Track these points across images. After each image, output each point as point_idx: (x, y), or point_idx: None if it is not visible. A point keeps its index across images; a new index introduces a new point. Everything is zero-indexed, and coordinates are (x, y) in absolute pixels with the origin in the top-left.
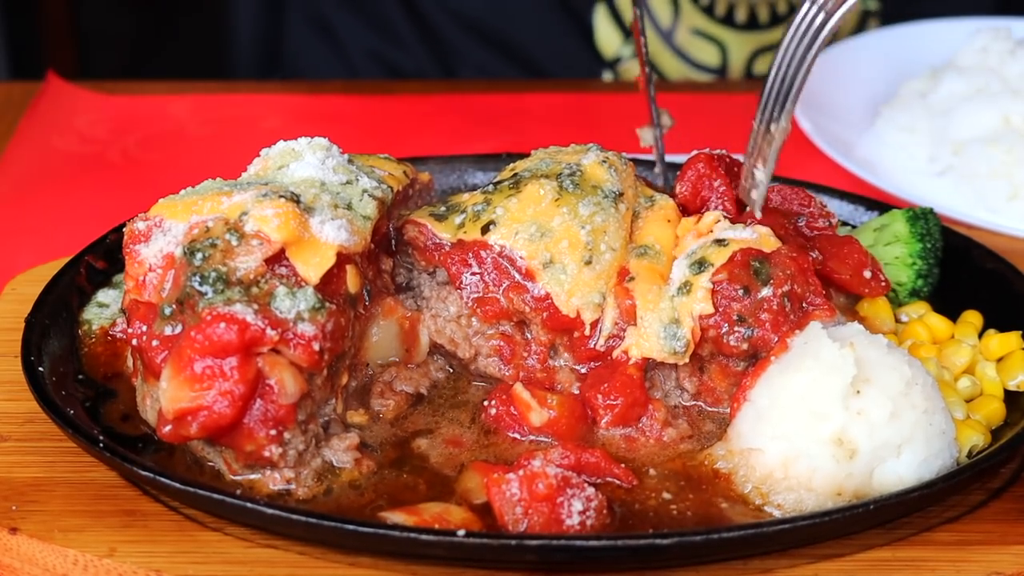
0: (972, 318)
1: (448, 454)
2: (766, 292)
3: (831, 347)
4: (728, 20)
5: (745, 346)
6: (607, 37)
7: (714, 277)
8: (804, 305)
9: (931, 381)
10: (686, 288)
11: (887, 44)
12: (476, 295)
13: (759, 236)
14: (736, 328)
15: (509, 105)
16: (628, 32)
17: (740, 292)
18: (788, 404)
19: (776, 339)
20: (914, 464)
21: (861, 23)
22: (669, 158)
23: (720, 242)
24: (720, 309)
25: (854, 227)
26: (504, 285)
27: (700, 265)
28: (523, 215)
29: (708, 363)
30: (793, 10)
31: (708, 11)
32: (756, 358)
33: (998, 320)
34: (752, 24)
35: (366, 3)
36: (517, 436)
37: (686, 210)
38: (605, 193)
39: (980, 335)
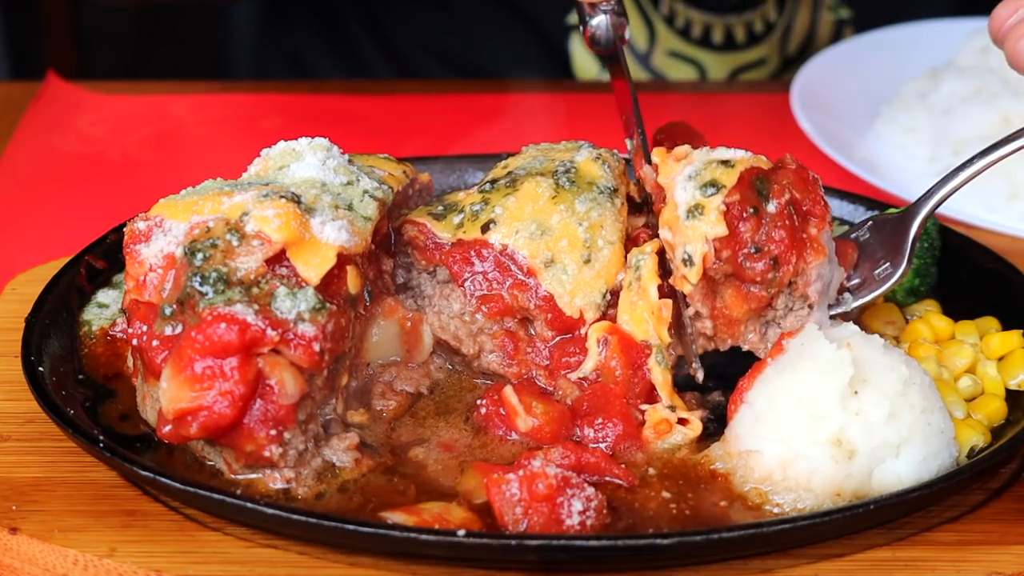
0: (989, 324)
1: (443, 459)
2: (771, 208)
3: (828, 348)
4: (705, 42)
5: (764, 267)
6: (584, 63)
7: (727, 199)
8: (808, 218)
9: (928, 380)
10: (698, 210)
11: (887, 44)
12: (480, 293)
13: (753, 155)
14: (752, 252)
15: (509, 105)
16: None
17: (751, 211)
18: (786, 405)
19: (795, 257)
20: (913, 464)
21: (837, 32)
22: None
23: (726, 163)
24: (733, 230)
25: (852, 225)
26: (508, 283)
27: (711, 187)
28: (522, 213)
29: (723, 287)
30: (770, 29)
31: (684, 33)
32: (777, 275)
33: (998, 319)
34: (729, 44)
35: (339, 40)
36: (504, 436)
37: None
38: (600, 189)
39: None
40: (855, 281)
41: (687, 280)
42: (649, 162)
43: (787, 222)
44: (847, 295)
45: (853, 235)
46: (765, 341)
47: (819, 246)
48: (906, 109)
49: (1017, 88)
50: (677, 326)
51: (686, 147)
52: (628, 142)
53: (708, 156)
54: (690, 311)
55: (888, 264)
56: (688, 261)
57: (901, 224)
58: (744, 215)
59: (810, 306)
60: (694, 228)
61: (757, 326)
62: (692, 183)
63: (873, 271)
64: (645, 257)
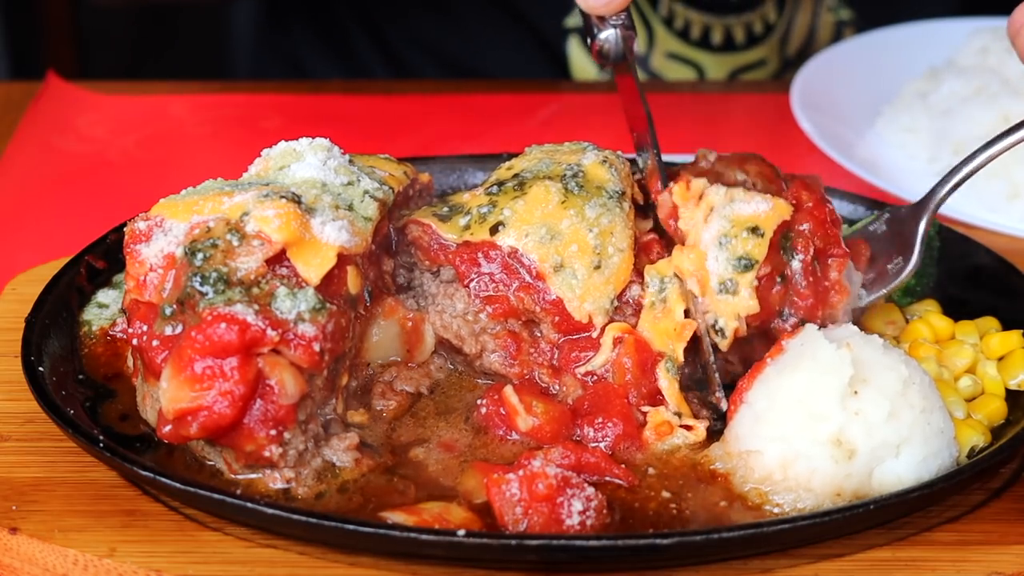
0: (989, 324)
1: (443, 459)
2: (796, 265)
3: (828, 348)
4: (704, 43)
5: (792, 327)
6: (582, 66)
7: (759, 273)
8: (828, 261)
9: (928, 380)
10: (731, 286)
11: (887, 44)
12: (485, 294)
13: (774, 205)
14: (781, 317)
15: (509, 105)
16: None
17: (779, 281)
18: (786, 405)
19: (821, 311)
20: (913, 464)
21: (837, 33)
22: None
23: (755, 231)
24: (764, 302)
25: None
26: (514, 285)
27: (744, 261)
28: (531, 217)
29: (752, 337)
30: (770, 30)
31: (683, 35)
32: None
33: (998, 319)
34: (729, 46)
35: (338, 45)
36: (504, 435)
37: None
38: (609, 193)
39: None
40: (869, 276)
41: (718, 346)
42: (664, 181)
43: (811, 279)
44: (861, 291)
45: (871, 227)
46: None
47: (842, 287)
48: (906, 109)
49: (1017, 88)
50: (698, 352)
51: (703, 183)
52: (639, 159)
53: (732, 211)
54: (721, 357)
55: (900, 258)
56: (720, 332)
57: (912, 218)
58: (774, 286)
59: None
60: (727, 303)
61: None
62: (724, 254)
63: (886, 265)
64: (670, 281)
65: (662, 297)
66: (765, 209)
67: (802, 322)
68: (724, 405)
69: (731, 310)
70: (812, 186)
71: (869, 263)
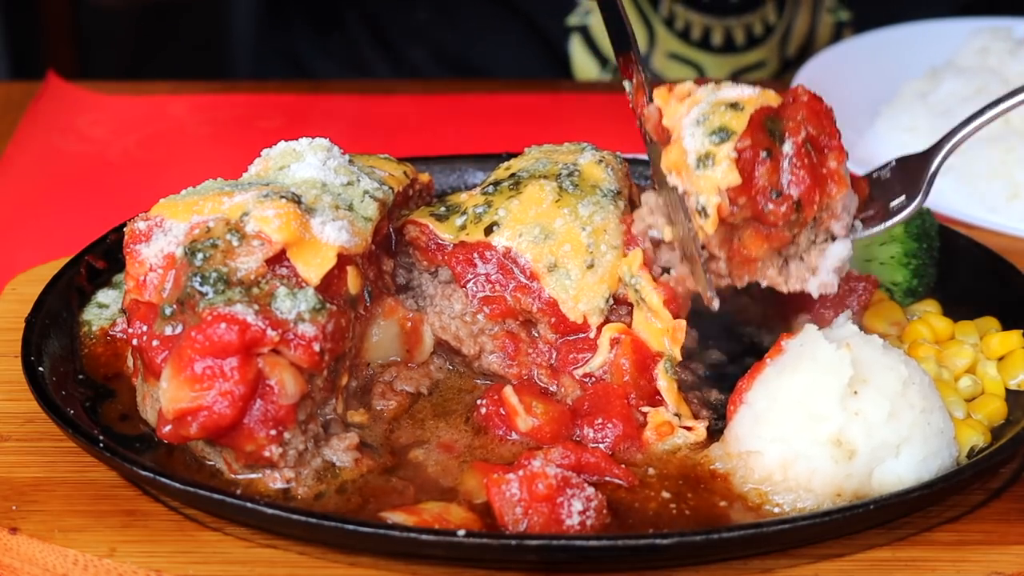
0: (989, 324)
1: (443, 459)
2: (788, 148)
3: (827, 348)
4: (704, 44)
5: (787, 209)
6: (584, 65)
7: (739, 144)
8: (825, 151)
9: (928, 380)
10: (708, 159)
11: (887, 44)
12: (483, 294)
13: (761, 92)
14: (772, 197)
15: (509, 105)
16: (604, 60)
17: (765, 155)
18: (786, 406)
19: (818, 195)
20: (913, 464)
21: (836, 34)
22: None
23: (734, 106)
24: (748, 176)
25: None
26: (511, 285)
27: (721, 133)
28: (525, 216)
29: (741, 230)
30: (770, 32)
31: (684, 36)
32: (800, 216)
33: (998, 319)
34: (729, 47)
35: (340, 42)
36: (504, 436)
37: None
38: (604, 192)
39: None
40: (869, 213)
41: (703, 230)
42: (650, 98)
43: (806, 161)
44: (858, 223)
45: (875, 174)
46: (786, 275)
47: (840, 178)
48: (906, 109)
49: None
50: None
51: (689, 84)
52: (627, 84)
53: (715, 96)
54: (704, 252)
55: (904, 197)
56: (702, 212)
57: (922, 160)
58: (758, 160)
59: (833, 238)
60: (705, 178)
61: (777, 261)
62: (700, 129)
63: (889, 203)
64: (638, 278)
65: (639, 297)
66: (750, 93)
67: (796, 204)
68: (716, 304)
69: (711, 184)
70: (811, 91)
71: (869, 200)
